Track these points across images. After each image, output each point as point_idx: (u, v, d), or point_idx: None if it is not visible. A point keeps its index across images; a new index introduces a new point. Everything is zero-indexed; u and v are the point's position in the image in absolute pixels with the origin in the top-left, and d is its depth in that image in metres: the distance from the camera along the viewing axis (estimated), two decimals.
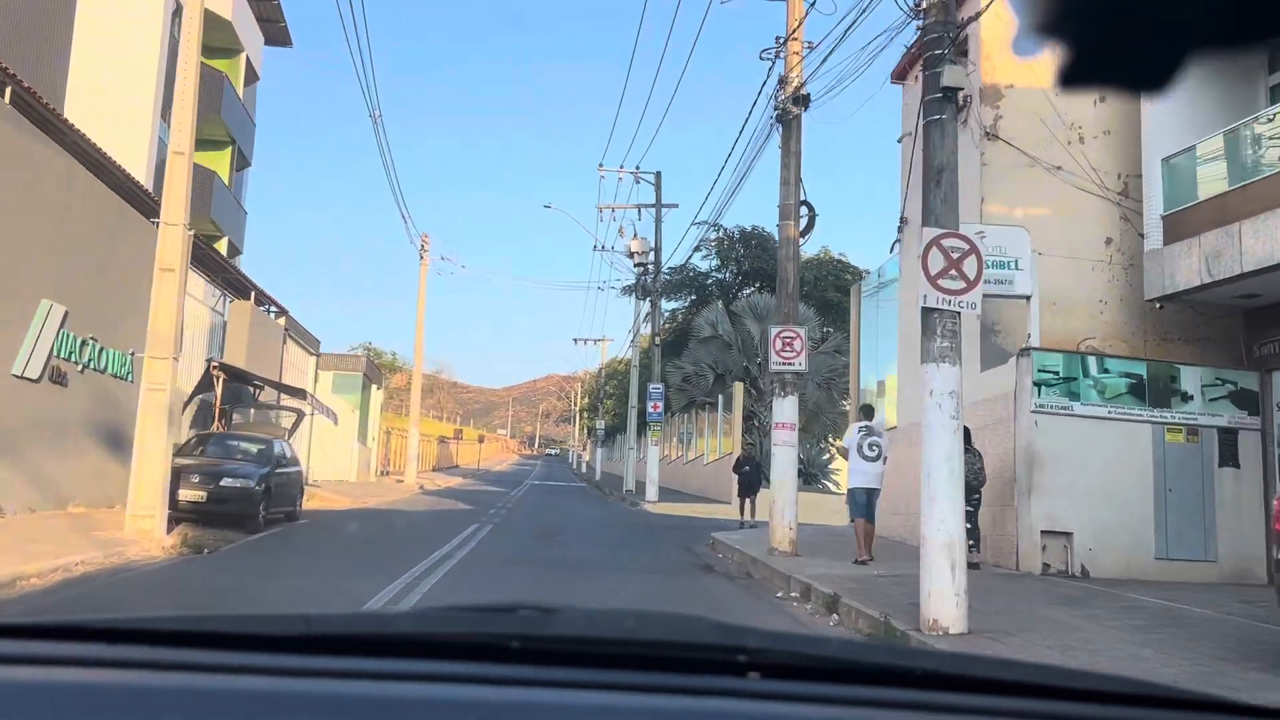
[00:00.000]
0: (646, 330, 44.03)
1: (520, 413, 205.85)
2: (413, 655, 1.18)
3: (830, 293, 36.69)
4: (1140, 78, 0.68)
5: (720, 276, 40.18)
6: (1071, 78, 0.67)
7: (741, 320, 34.09)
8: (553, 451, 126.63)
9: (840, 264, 38.36)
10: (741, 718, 1.10)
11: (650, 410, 28.13)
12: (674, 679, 1.14)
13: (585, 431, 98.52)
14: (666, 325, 46.54)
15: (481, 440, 70.25)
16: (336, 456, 31.89)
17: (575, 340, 55.85)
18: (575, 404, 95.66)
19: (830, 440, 35.96)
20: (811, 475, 33.57)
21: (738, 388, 29.05)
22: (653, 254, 28.27)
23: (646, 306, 40.70)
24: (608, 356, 60.64)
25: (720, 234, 38.39)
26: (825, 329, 34.74)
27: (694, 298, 40.73)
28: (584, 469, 77.58)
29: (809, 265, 38.29)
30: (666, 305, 42.50)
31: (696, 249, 37.55)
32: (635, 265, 28.17)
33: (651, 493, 27.86)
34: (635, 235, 28.35)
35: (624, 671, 1.15)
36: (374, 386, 37.87)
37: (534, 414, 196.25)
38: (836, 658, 1.24)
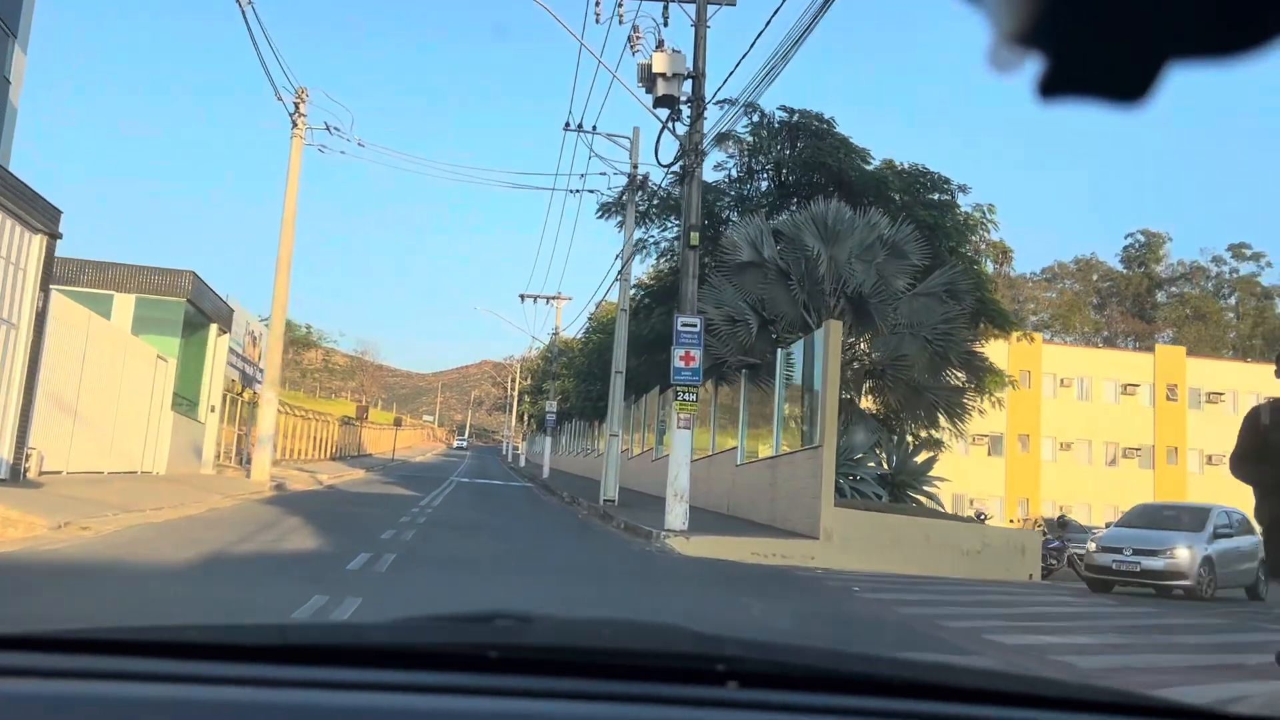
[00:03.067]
0: (642, 266, 31.24)
1: (450, 399, 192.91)
2: (389, 665, 1.15)
3: (920, 211, 24.25)
4: (1118, 88, 0.65)
5: (745, 190, 27.49)
6: (1049, 89, 0.65)
7: (799, 239, 21.45)
8: (462, 444, 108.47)
9: (922, 173, 25.97)
10: None
11: (680, 365, 15.33)
12: (652, 688, 1.12)
13: (523, 419, 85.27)
14: (658, 268, 33.76)
15: (397, 425, 56.77)
16: (124, 433, 18.59)
17: (522, 297, 42.76)
18: (513, 385, 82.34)
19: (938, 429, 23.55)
20: (901, 485, 21.20)
21: (834, 328, 16.33)
22: (690, 83, 15.56)
23: (640, 232, 27.95)
24: (563, 323, 47.68)
25: (756, 120, 25.68)
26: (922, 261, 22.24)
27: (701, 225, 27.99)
28: (522, 463, 64.82)
29: (885, 178, 25.81)
30: (657, 234, 29.76)
31: (721, 140, 24.67)
32: (658, 99, 15.34)
33: (677, 514, 15.11)
34: (660, 46, 15.61)
35: (602, 681, 1.13)
36: (214, 328, 24.39)
37: (465, 401, 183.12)
38: (815, 666, 1.22)
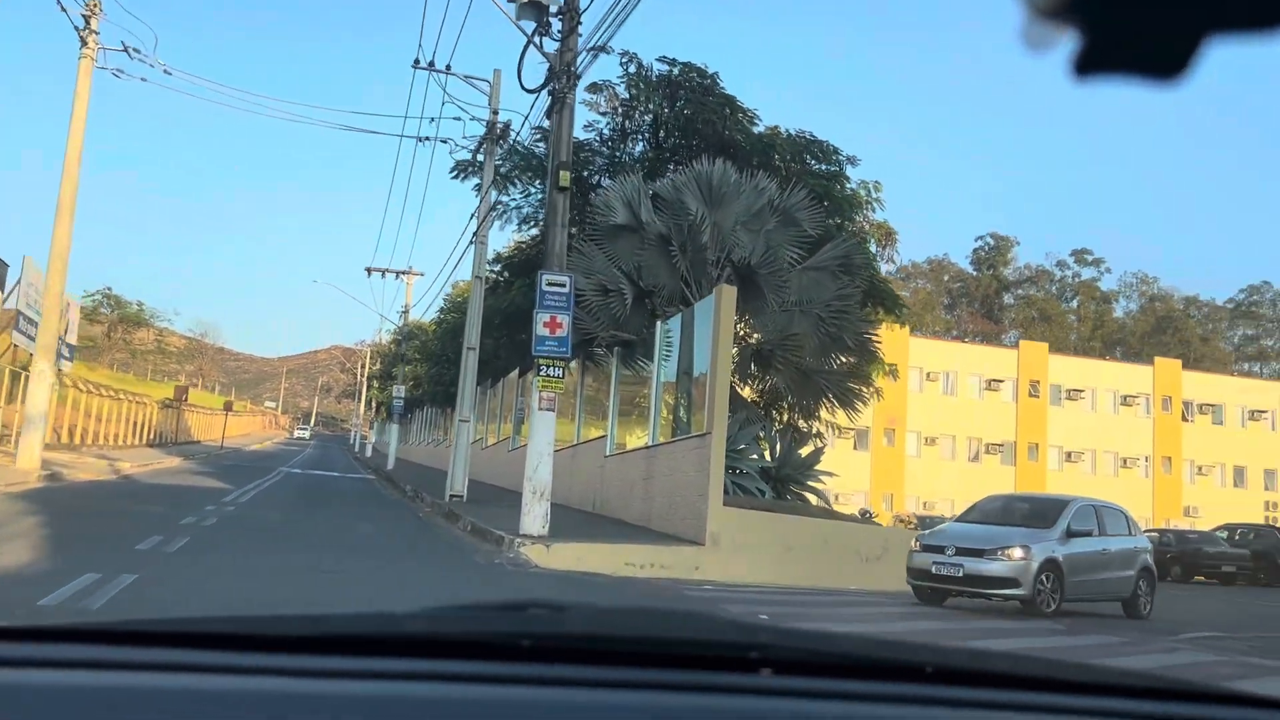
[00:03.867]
0: (503, 235, 27.78)
1: (297, 386, 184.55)
2: (422, 655, 1.15)
3: (809, 180, 22.09)
4: (1156, 65, 0.64)
5: (618, 153, 24.79)
6: (1085, 67, 0.64)
7: (680, 202, 18.93)
8: (304, 432, 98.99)
9: (811, 141, 23.77)
10: (755, 714, 1.10)
11: (543, 333, 12.48)
12: (686, 676, 1.13)
13: (372, 406, 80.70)
14: (519, 241, 30.76)
15: (228, 409, 51.76)
16: None
17: (369, 271, 39.00)
18: (363, 370, 77.58)
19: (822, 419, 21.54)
20: (785, 480, 18.98)
21: (725, 294, 13.84)
22: None
23: (498, 195, 24.87)
24: (417, 302, 44.13)
25: (634, 70, 23.05)
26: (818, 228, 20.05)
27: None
28: (369, 453, 60.71)
29: (773, 143, 23.55)
30: (519, 198, 26.77)
31: (595, 91, 22.17)
32: (522, 7, 12.48)
33: (536, 516, 12.30)
34: None
35: (636, 669, 1.13)
36: None
37: (313, 388, 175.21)
38: (849, 653, 1.23)
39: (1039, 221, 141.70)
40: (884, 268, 27.58)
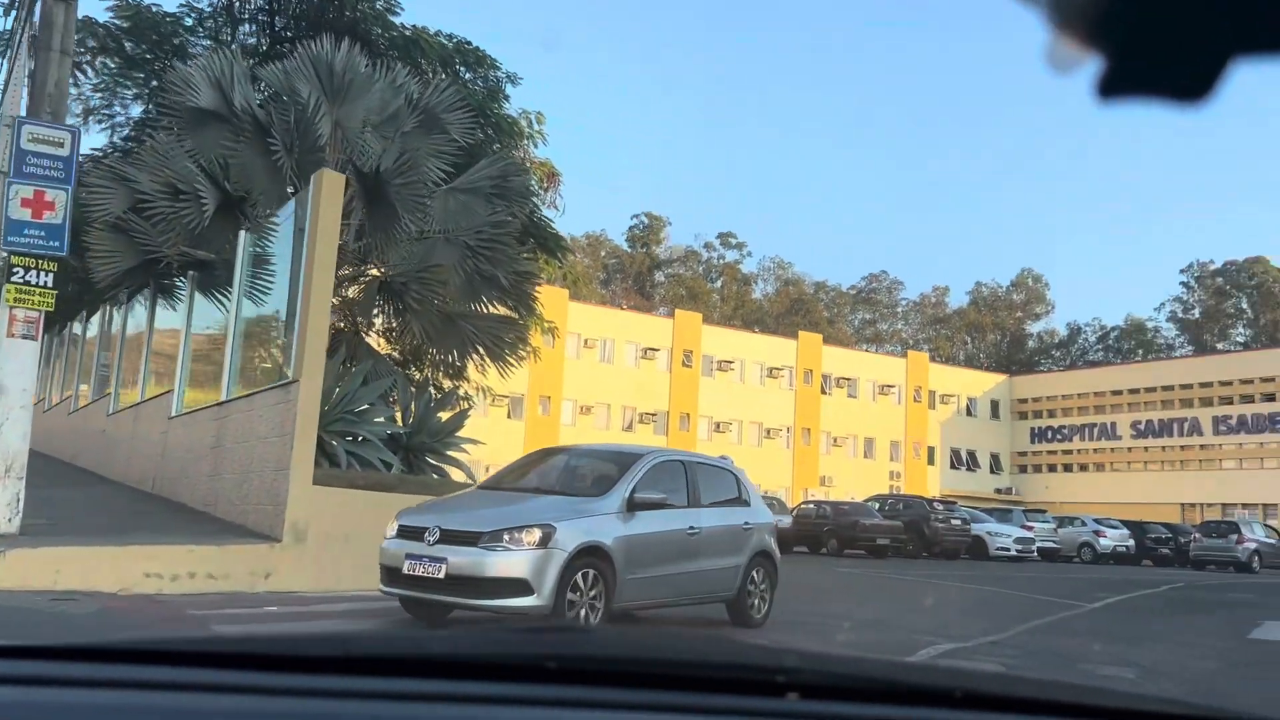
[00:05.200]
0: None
1: None
2: (449, 676, 1.14)
3: (465, 93, 18.33)
4: (1180, 87, 0.65)
5: (221, 42, 19.56)
6: (1109, 88, 0.65)
7: (291, 89, 14.46)
8: None
9: (464, 45, 19.94)
10: None
11: (22, 217, 7.83)
12: (712, 699, 1.12)
13: None
14: (108, 146, 24.27)
15: None
16: None
17: None
18: None
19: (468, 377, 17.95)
20: (419, 449, 15.46)
21: (329, 182, 9.80)
22: None
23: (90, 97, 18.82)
24: None
25: None
26: (468, 139, 16.38)
27: (152, 82, 19.58)
28: None
29: (419, 44, 19.46)
30: (86, 89, 20.76)
31: None
32: None
33: None
34: None
35: (662, 692, 1.12)
36: None
37: None
38: (875, 678, 1.21)
39: (689, 204, 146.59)
40: (547, 214, 24.27)
